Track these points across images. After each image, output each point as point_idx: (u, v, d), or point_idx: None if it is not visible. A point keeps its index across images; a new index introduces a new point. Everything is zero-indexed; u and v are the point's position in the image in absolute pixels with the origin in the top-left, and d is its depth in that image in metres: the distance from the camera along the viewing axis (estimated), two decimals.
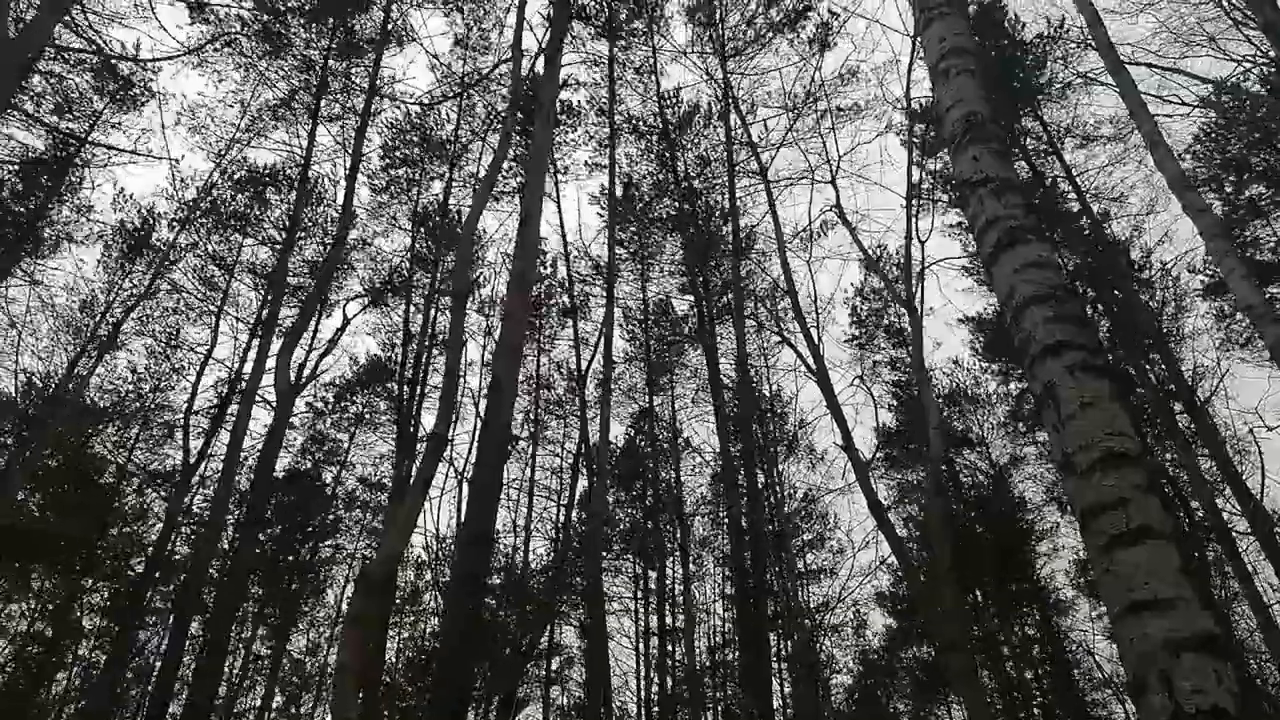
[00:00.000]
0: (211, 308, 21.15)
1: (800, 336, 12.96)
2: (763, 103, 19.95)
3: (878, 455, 19.13)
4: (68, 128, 18.44)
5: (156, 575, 19.22)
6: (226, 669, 20.89)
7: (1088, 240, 16.97)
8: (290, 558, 23.53)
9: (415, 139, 21.36)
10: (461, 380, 10.45)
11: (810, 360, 12.02)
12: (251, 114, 20.28)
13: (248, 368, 19.29)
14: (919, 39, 4.48)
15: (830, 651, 21.17)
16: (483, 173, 18.21)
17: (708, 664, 21.25)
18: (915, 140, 15.30)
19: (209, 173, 21.09)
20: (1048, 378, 2.70)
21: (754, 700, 13.08)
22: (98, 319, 20.29)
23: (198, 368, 20.52)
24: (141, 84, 18.42)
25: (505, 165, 18.45)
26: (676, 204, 19.48)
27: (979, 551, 18.52)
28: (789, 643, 17.27)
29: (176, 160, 20.40)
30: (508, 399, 9.55)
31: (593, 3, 19.41)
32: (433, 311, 19.91)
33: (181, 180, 20.72)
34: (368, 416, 24.24)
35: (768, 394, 21.97)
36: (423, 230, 20.93)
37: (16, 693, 17.91)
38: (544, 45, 13.34)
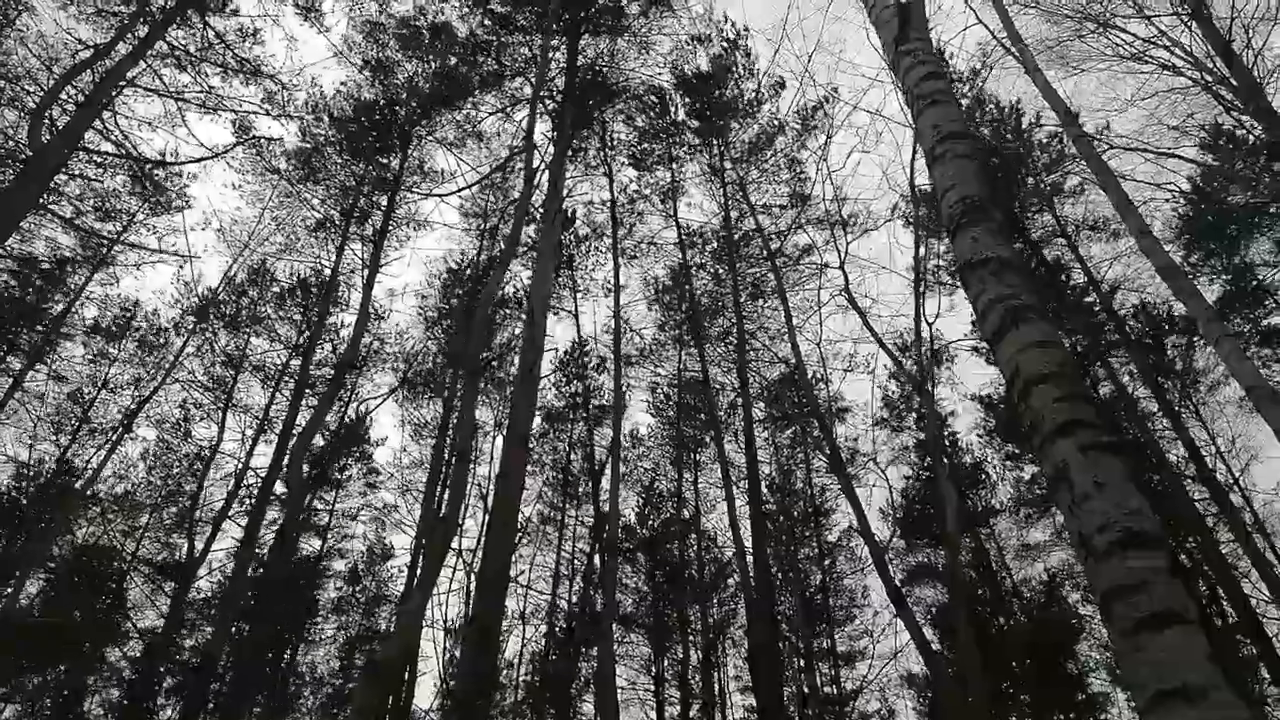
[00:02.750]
0: (219, 404, 21.35)
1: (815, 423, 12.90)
2: (773, 197, 20.45)
3: (893, 539, 18.83)
4: (97, 227, 19.10)
5: (161, 670, 18.93)
6: None
7: (1096, 321, 17.01)
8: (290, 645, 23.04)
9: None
10: (473, 467, 10.40)
11: (824, 444, 11.91)
12: (286, 229, 21.64)
13: (255, 462, 19.53)
14: (915, 126, 4.57)
15: None
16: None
17: None
18: (920, 228, 15.52)
19: (230, 273, 21.87)
20: (1059, 458, 2.65)
21: None
22: (117, 421, 20.65)
23: (205, 462, 20.63)
24: (177, 189, 19.00)
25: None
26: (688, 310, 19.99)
27: (1004, 642, 18.00)
28: None
29: (190, 259, 20.84)
30: (515, 486, 9.51)
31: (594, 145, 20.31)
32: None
33: (193, 283, 21.46)
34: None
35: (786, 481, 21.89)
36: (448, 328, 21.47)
37: None
38: (547, 164, 13.85)
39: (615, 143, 20.43)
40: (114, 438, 20.03)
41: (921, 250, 14.78)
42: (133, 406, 20.46)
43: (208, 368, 21.73)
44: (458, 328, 20.77)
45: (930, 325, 13.34)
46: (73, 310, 19.77)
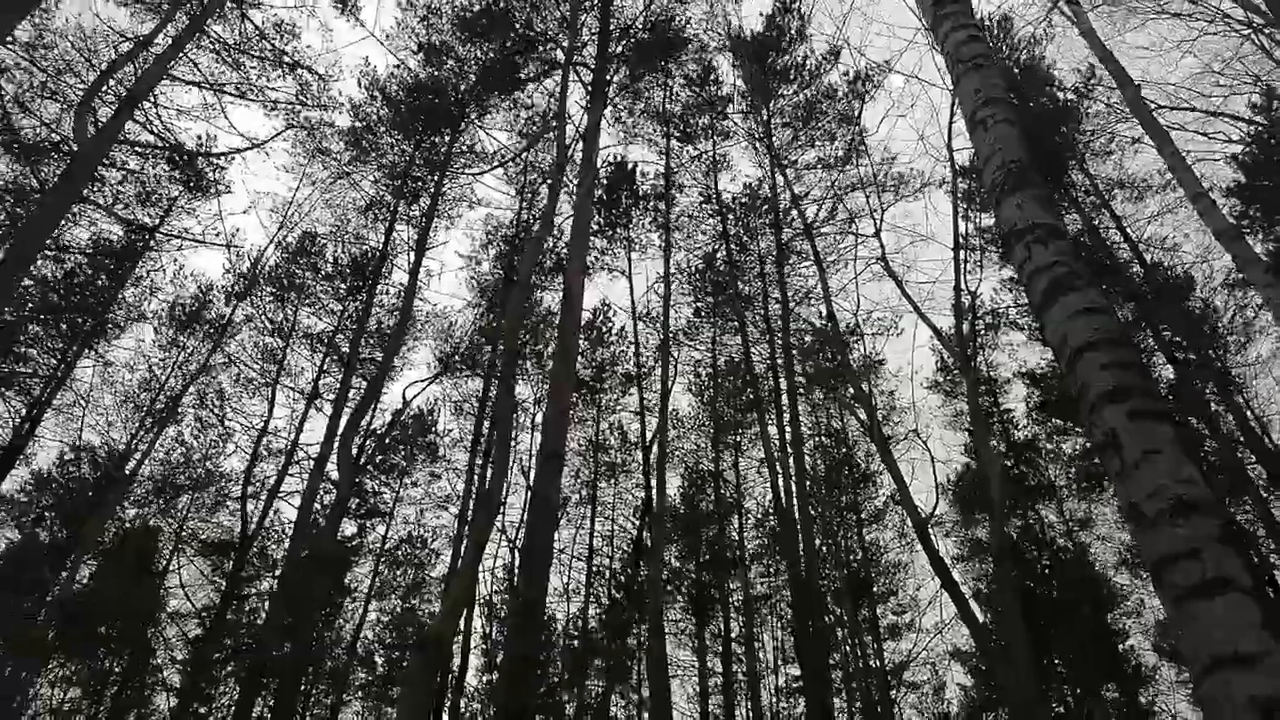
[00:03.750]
0: (268, 378, 21.75)
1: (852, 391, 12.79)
2: (807, 165, 20.33)
3: (937, 511, 18.66)
4: (139, 217, 19.51)
5: (221, 647, 19.48)
6: None
7: (1140, 288, 16.63)
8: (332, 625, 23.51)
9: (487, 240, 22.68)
10: (514, 445, 10.53)
11: (864, 415, 11.84)
12: (337, 210, 22.14)
13: (304, 438, 19.97)
14: (955, 92, 4.49)
15: (904, 716, 20.30)
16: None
17: None
18: (960, 193, 15.25)
19: (276, 238, 22.29)
20: (1108, 425, 2.61)
21: None
22: (156, 394, 21.10)
23: (254, 437, 21.07)
24: (216, 175, 19.32)
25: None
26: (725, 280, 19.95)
27: (1052, 614, 17.80)
28: (857, 702, 16.62)
29: (234, 243, 21.22)
30: (557, 463, 9.60)
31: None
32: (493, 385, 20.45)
33: (241, 256, 21.81)
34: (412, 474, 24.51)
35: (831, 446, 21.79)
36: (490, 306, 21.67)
37: None
38: (582, 131, 13.79)
39: (658, 109, 20.32)
40: (161, 417, 20.46)
41: (961, 217, 14.53)
42: (181, 385, 20.87)
43: (256, 339, 22.15)
44: (497, 305, 20.95)
45: (972, 294, 13.13)
46: (119, 297, 20.22)
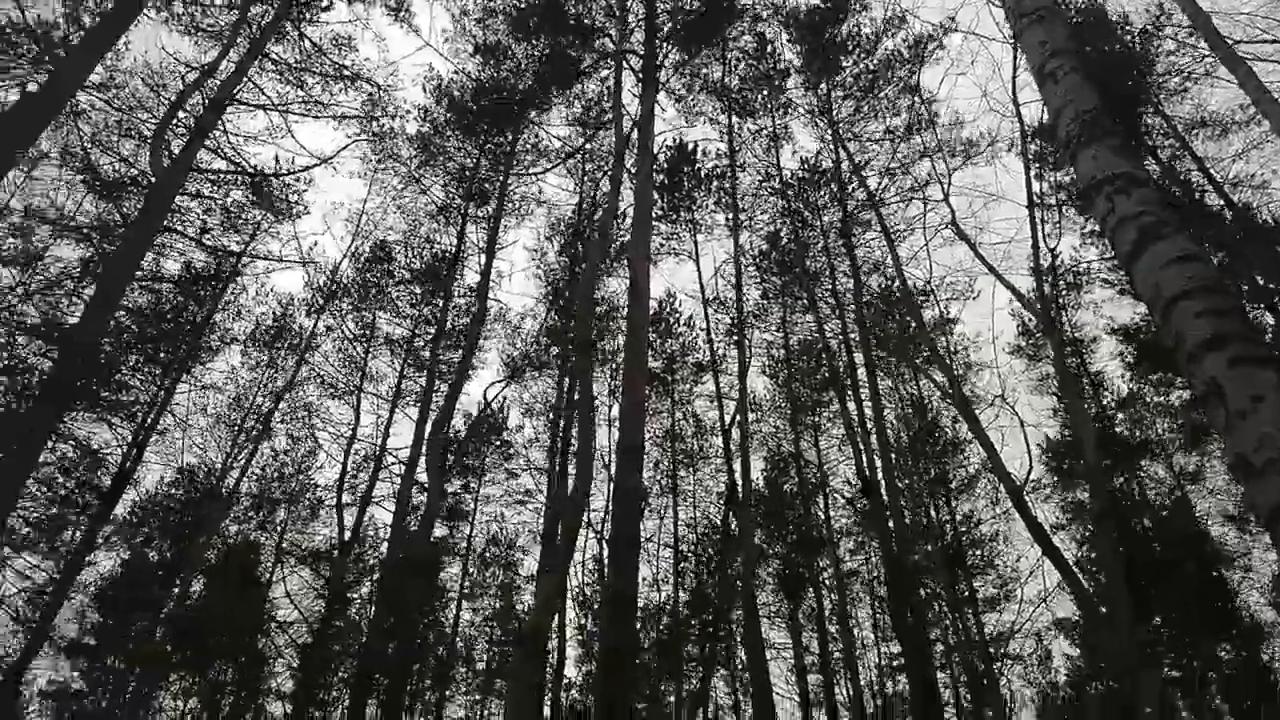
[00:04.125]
0: (352, 386, 22.38)
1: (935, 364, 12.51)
2: (871, 138, 19.98)
3: (1032, 476, 18.16)
4: (226, 244, 20.29)
5: (329, 651, 20.15)
6: None
7: (1232, 233, 15.82)
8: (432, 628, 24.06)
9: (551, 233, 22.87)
10: (595, 441, 10.61)
11: (941, 378, 11.58)
12: (409, 215, 22.75)
13: (392, 442, 20.60)
14: (1018, 45, 4.35)
15: (1011, 687, 19.82)
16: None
17: (874, 704, 20.36)
18: (1030, 149, 14.74)
19: (352, 248, 22.93)
20: (1208, 374, 2.51)
21: None
22: (246, 412, 21.94)
23: (344, 445, 21.73)
24: (295, 198, 19.95)
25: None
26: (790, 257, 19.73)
27: (1159, 575, 17.14)
28: (961, 676, 16.33)
29: (310, 259, 21.86)
30: (637, 455, 9.65)
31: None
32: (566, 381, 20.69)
33: (319, 270, 22.49)
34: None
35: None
36: (555, 302, 21.91)
37: None
38: (637, 119, 13.78)
39: (716, 85, 20.25)
40: (256, 435, 21.23)
41: (1034, 175, 14.04)
42: (271, 401, 21.62)
43: (339, 346, 22.79)
44: (563, 301, 21.15)
45: (1052, 251, 12.68)
46: (212, 321, 21.04)
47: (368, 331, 22.74)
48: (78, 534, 17.85)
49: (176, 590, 20.28)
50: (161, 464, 21.21)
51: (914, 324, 13.75)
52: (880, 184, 18.60)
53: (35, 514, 17.92)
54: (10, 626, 19.02)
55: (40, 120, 11.93)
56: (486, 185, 21.96)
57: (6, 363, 16.85)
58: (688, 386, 23.38)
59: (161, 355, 19.80)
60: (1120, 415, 21.04)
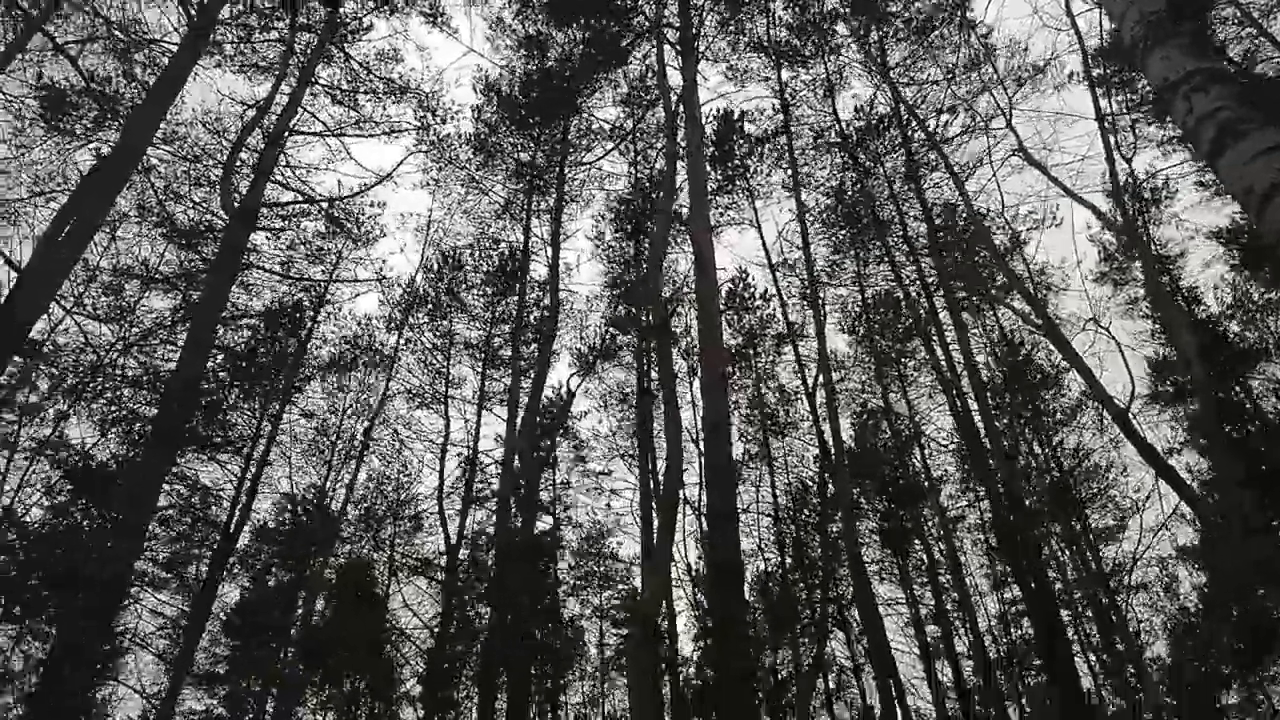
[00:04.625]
0: (439, 394, 22.87)
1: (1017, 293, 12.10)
2: (929, 80, 19.38)
3: (1135, 395, 17.43)
4: (312, 275, 21.04)
5: (452, 653, 20.77)
6: None
7: None
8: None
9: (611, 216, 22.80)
10: (681, 420, 10.61)
11: (1031, 314, 11.20)
12: (475, 218, 23.26)
13: (482, 444, 21.06)
14: None
15: (1139, 617, 19.10)
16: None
17: (997, 650, 19.96)
18: (1091, 61, 14.05)
19: (425, 262, 23.47)
20: None
21: (1059, 686, 12.11)
22: (341, 434, 22.66)
23: (438, 453, 22.28)
24: (371, 223, 20.46)
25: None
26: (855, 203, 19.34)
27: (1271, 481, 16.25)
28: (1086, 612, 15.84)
29: (384, 275, 22.35)
30: (724, 430, 9.63)
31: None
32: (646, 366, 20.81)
33: (393, 285, 23.03)
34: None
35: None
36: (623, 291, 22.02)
37: None
38: (680, 91, 13.64)
39: (762, 40, 19.95)
40: (358, 455, 21.89)
41: (1099, 90, 13.36)
42: (366, 422, 22.27)
43: (422, 356, 23.31)
44: (626, 284, 21.21)
45: (1128, 159, 12.08)
46: (307, 350, 21.73)
47: (446, 339, 23.23)
48: (203, 568, 18.77)
49: (300, 612, 21.13)
50: (273, 493, 21.95)
51: (988, 252, 13.25)
52: (941, 122, 18.02)
53: (162, 554, 18.95)
54: (155, 663, 20.19)
55: (118, 180, 12.45)
56: (545, 177, 22.16)
57: (116, 414, 17.78)
58: (770, 359, 23.12)
59: (259, 389, 20.61)
60: (1225, 324, 19.98)
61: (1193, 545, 20.49)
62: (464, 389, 23.18)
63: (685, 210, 19.15)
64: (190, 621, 17.67)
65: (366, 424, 22.15)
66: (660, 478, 18.12)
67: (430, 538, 23.43)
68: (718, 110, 21.32)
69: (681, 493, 18.05)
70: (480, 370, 22.75)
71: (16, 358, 13.64)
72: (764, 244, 21.11)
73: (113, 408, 16.80)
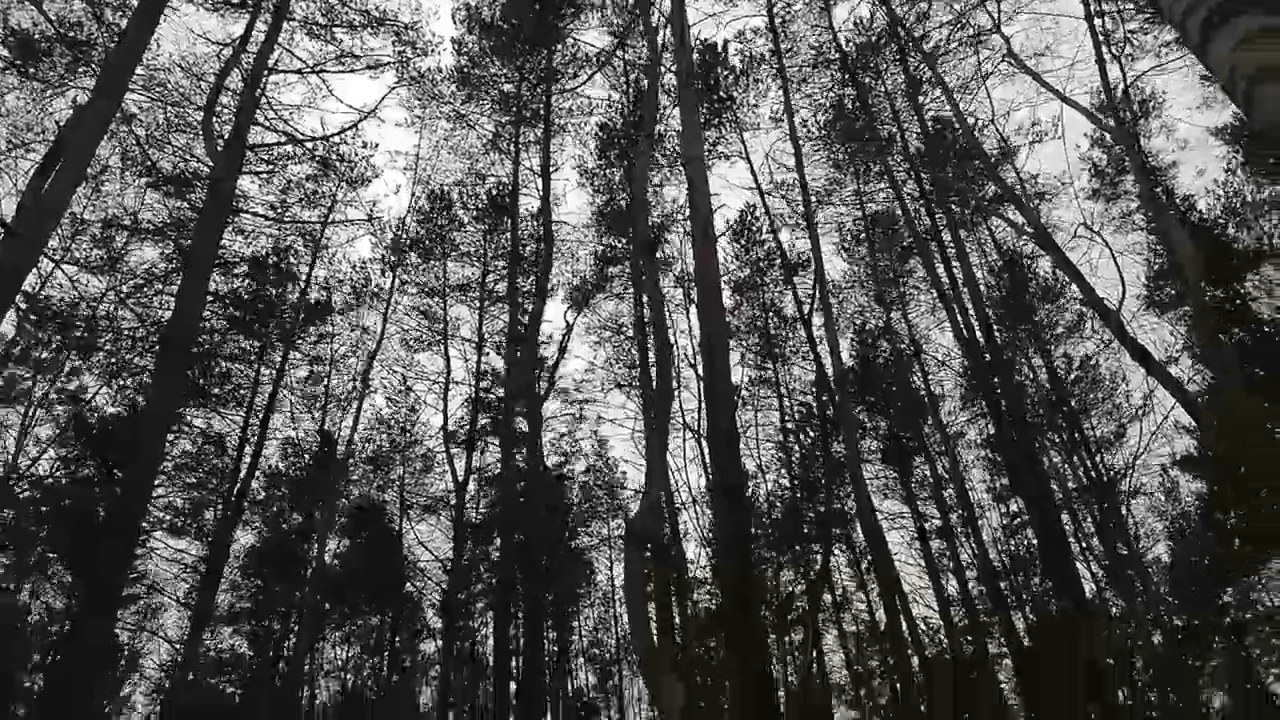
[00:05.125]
0: (435, 333, 22.96)
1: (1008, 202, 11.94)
2: None
3: (1125, 298, 17.33)
4: (307, 218, 20.81)
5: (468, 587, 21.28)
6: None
7: None
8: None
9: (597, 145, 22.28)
10: (674, 345, 10.61)
11: (1025, 224, 11.08)
12: (461, 155, 22.83)
13: (485, 383, 21.13)
14: None
15: (1138, 521, 19.35)
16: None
17: (1001, 561, 20.30)
18: None
19: (414, 203, 23.25)
20: None
21: (1062, 591, 12.36)
22: (346, 379, 22.74)
23: (440, 394, 22.41)
24: (365, 163, 20.15)
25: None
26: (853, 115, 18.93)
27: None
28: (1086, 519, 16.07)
29: (374, 215, 22.10)
30: (721, 351, 9.63)
31: None
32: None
33: (385, 228, 22.80)
34: None
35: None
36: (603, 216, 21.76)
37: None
38: (669, 16, 13.24)
39: None
40: (359, 397, 21.97)
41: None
42: (364, 367, 22.27)
43: (417, 301, 23.36)
44: (609, 214, 21.02)
45: (1117, 57, 11.79)
46: (306, 294, 21.62)
47: (440, 279, 23.13)
48: (218, 514, 19.05)
49: (315, 552, 21.50)
50: (280, 438, 22.06)
51: (980, 162, 13.04)
52: (940, 36, 17.52)
53: (179, 500, 19.23)
54: (176, 608, 20.65)
55: (101, 125, 12.19)
56: (532, 108, 21.66)
57: (117, 365, 17.84)
58: (777, 290, 22.96)
59: (261, 335, 20.57)
60: (1220, 225, 19.81)
61: (1188, 454, 20.70)
62: (462, 329, 23.27)
63: (674, 140, 18.87)
64: (208, 566, 18.00)
65: (364, 367, 22.16)
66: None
67: (439, 480, 23.77)
68: (702, 41, 20.79)
69: (681, 416, 18.18)
70: (478, 308, 22.73)
71: (12, 312, 13.58)
72: (754, 173, 20.65)
73: (113, 360, 16.86)
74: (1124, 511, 15.50)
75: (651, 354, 18.73)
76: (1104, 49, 11.54)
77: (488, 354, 21.99)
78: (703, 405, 15.00)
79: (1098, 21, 12.16)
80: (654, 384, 7.47)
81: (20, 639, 16.08)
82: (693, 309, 20.83)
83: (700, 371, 13.22)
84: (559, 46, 21.10)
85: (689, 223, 11.00)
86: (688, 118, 11.71)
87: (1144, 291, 20.29)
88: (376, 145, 20.66)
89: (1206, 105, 18.49)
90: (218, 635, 20.18)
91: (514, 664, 20.00)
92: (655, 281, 9.19)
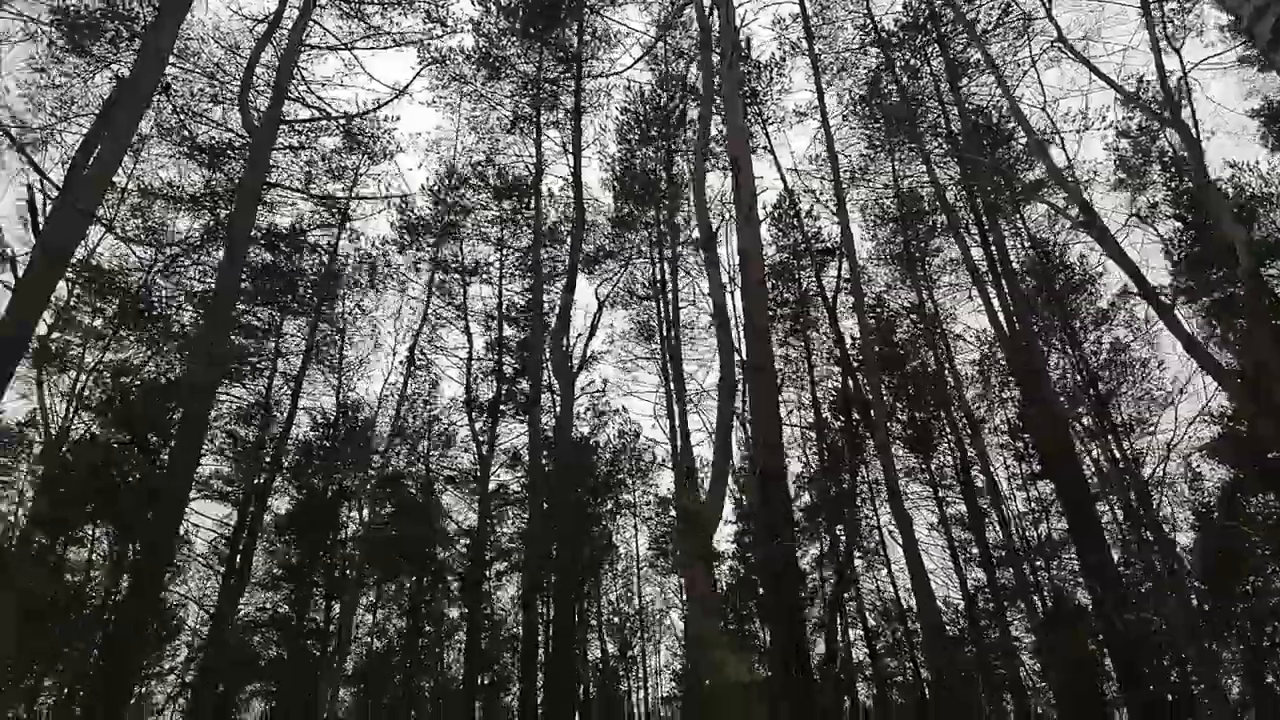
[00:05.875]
0: (458, 311, 23.17)
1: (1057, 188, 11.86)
2: None
3: (1177, 293, 17.16)
4: (332, 192, 20.94)
5: (486, 558, 21.61)
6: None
7: None
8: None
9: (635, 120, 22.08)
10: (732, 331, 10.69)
11: (1073, 211, 11.03)
12: (483, 134, 22.75)
13: (508, 357, 21.38)
14: None
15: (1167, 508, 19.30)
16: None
17: (1024, 545, 20.36)
18: None
19: (430, 185, 23.35)
20: None
21: (1091, 574, 12.44)
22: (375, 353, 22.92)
23: (463, 369, 22.73)
24: (387, 138, 20.26)
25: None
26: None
27: None
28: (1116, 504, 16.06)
29: (407, 196, 22.22)
30: (763, 337, 9.74)
31: None
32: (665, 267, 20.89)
33: (409, 207, 22.93)
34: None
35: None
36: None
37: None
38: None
39: None
40: (391, 370, 22.23)
41: None
42: (409, 343, 22.45)
43: (439, 279, 23.47)
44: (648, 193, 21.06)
45: (1177, 49, 11.65)
46: (335, 268, 21.80)
47: (459, 257, 23.27)
48: (255, 481, 19.42)
49: (351, 518, 21.92)
50: (311, 409, 22.34)
51: (1029, 142, 12.91)
52: (984, 17, 17.32)
53: (222, 467, 19.67)
54: (210, 571, 21.10)
55: (146, 93, 12.35)
56: (555, 87, 21.54)
57: (159, 334, 18.16)
58: (813, 272, 22.97)
59: (294, 307, 20.82)
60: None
61: (1215, 441, 20.61)
62: (486, 304, 23.50)
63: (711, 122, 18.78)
64: (248, 531, 18.44)
65: (409, 343, 22.44)
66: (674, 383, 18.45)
67: (465, 453, 24.08)
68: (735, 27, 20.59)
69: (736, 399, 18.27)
70: (497, 283, 22.91)
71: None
72: (779, 167, 20.59)
73: (159, 326, 17.14)
74: (1155, 499, 15.50)
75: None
76: (1158, 40, 11.41)
77: (508, 329, 22.31)
78: (744, 389, 15.09)
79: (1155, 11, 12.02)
80: (719, 380, 7.60)
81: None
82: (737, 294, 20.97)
83: (743, 352, 13.24)
84: (589, 23, 20.94)
85: (735, 203, 11.04)
86: (731, 98, 11.71)
87: (1170, 280, 20.14)
88: (399, 118, 20.69)
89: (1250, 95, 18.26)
90: (258, 597, 20.70)
91: (543, 633, 20.36)
92: (718, 279, 9.28)
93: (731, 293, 15.17)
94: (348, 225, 21.71)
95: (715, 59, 11.91)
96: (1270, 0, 3.10)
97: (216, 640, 17.20)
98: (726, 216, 18.12)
